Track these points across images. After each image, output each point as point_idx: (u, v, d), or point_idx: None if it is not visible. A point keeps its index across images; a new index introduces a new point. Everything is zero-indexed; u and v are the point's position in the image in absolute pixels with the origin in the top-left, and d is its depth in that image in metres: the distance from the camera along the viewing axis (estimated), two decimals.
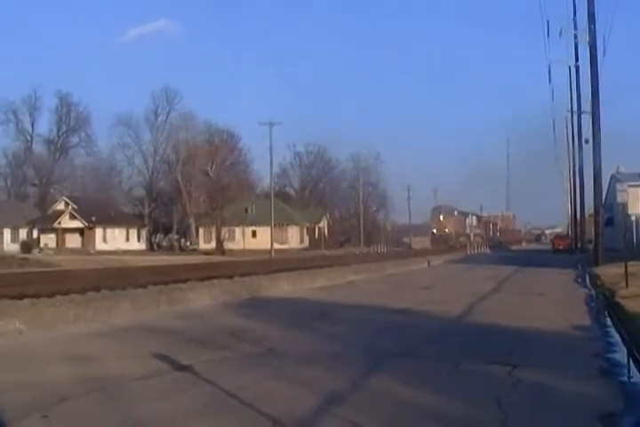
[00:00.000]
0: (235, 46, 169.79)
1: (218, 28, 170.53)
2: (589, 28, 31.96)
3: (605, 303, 15.89)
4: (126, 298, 14.11)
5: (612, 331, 11.51)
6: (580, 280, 25.12)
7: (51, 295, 13.85)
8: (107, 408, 6.32)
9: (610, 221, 44.69)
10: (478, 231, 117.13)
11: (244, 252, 72.06)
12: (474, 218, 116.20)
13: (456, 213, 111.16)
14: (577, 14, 43.13)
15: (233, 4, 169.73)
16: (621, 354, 9.28)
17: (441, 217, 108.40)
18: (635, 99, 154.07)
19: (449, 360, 8.68)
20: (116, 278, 19.50)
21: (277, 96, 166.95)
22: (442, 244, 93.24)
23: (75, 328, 11.26)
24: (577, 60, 48.01)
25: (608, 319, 13.20)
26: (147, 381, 7.38)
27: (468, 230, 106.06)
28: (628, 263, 18.63)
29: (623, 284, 17.35)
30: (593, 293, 19.59)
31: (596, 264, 29.92)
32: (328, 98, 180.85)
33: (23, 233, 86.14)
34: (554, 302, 16.54)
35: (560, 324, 12.14)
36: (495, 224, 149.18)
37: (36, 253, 70.62)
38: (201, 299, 15.78)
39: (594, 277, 23.75)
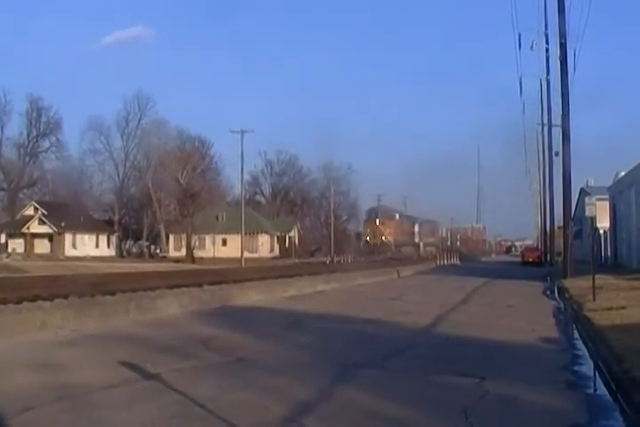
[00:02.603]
0: (208, 53, 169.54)
1: (192, 34, 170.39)
2: (560, 42, 32.28)
3: (573, 316, 16.02)
4: (95, 305, 14.00)
5: (580, 343, 11.61)
6: (548, 293, 25.29)
7: (17, 302, 13.69)
8: (72, 417, 6.26)
9: (579, 234, 45.21)
10: (431, 240, 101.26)
11: (214, 260, 71.90)
12: (425, 225, 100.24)
13: (397, 216, 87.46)
14: (548, 27, 43.58)
15: (207, 11, 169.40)
16: (588, 367, 9.36)
17: (377, 221, 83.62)
18: (605, 113, 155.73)
19: (417, 371, 8.71)
20: (84, 285, 19.32)
21: (250, 103, 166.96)
22: (375, 255, 71.72)
23: (41, 336, 11.16)
24: (548, 73, 48.43)
25: (576, 332, 13.32)
26: (114, 389, 7.33)
27: (417, 239, 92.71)
28: (596, 276, 18.79)
29: (591, 296, 17.50)
30: (561, 305, 19.74)
31: (565, 277, 30.15)
32: (301, 106, 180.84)
33: None
34: (522, 314, 16.64)
35: (528, 336, 12.21)
36: (456, 233, 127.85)
37: (3, 259, 69.88)
38: (170, 307, 15.71)
39: (562, 290, 23.93)
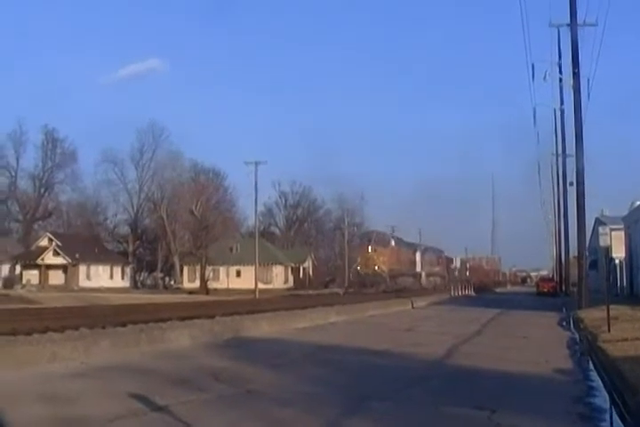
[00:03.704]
0: (222, 85, 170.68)
1: (206, 67, 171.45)
2: (573, 72, 32.34)
3: (588, 347, 15.86)
4: (106, 337, 13.96)
5: (594, 375, 11.47)
6: (563, 323, 25.09)
7: (28, 333, 13.67)
8: None
9: (594, 264, 44.86)
10: (436, 270, 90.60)
11: (228, 291, 71.77)
12: (428, 253, 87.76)
13: (393, 242, 73.26)
14: (561, 57, 43.69)
15: (221, 44, 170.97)
16: (602, 399, 9.23)
17: (369, 249, 68.77)
18: (617, 142, 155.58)
19: (429, 403, 8.60)
20: (96, 316, 19.33)
21: (264, 135, 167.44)
22: (367, 287, 63.75)
23: (51, 367, 11.12)
24: (562, 103, 48.50)
25: (590, 363, 13.16)
26: (122, 421, 7.27)
27: (418, 268, 79.58)
28: (611, 307, 18.62)
29: (605, 327, 17.32)
30: (576, 336, 19.57)
31: (580, 307, 29.90)
32: (315, 138, 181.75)
33: (5, 269, 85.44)
34: (537, 345, 16.52)
35: (542, 367, 12.09)
36: (465, 262, 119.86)
37: (18, 290, 70.03)
38: (181, 339, 15.64)
39: (577, 321, 23.73)
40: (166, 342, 15.06)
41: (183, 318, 19.03)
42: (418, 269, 78.97)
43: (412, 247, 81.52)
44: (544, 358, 13.54)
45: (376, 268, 66.49)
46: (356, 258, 68.97)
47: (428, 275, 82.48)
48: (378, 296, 44.31)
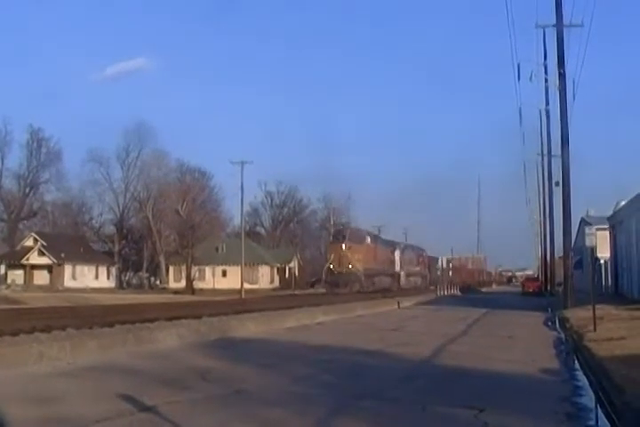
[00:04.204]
0: (209, 85, 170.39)
1: (193, 66, 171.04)
2: (559, 72, 32.44)
3: (574, 347, 15.93)
4: (93, 337, 13.92)
5: (580, 374, 11.53)
6: (549, 323, 25.19)
7: (14, 333, 13.62)
8: None
9: (579, 264, 45.05)
10: (417, 269, 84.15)
11: (214, 291, 71.72)
12: (408, 251, 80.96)
13: (368, 239, 65.51)
14: (547, 58, 43.80)
15: (208, 43, 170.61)
16: (589, 398, 9.28)
17: (343, 246, 60.34)
18: (602, 145, 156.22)
19: (416, 403, 8.62)
20: (83, 317, 19.28)
21: (250, 135, 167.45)
22: (341, 287, 58.16)
23: (38, 368, 11.08)
24: (547, 103, 48.69)
25: (576, 363, 13.23)
26: (108, 422, 7.25)
27: (397, 268, 72.87)
28: (597, 306, 18.72)
29: (591, 327, 17.41)
30: (562, 336, 19.65)
31: (566, 307, 30.01)
32: (302, 138, 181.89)
33: None
34: (523, 345, 16.59)
35: (528, 367, 12.13)
36: (449, 262, 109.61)
37: (2, 290, 69.69)
38: (169, 339, 15.62)
39: (563, 320, 23.82)
40: (153, 342, 15.03)
41: (170, 319, 19.00)
42: (397, 268, 73.12)
43: (391, 245, 75.39)
44: (530, 358, 13.61)
45: (350, 266, 59.21)
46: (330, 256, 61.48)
47: (407, 275, 77.93)
48: (360, 296, 43.77)
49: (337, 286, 58.60)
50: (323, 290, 63.37)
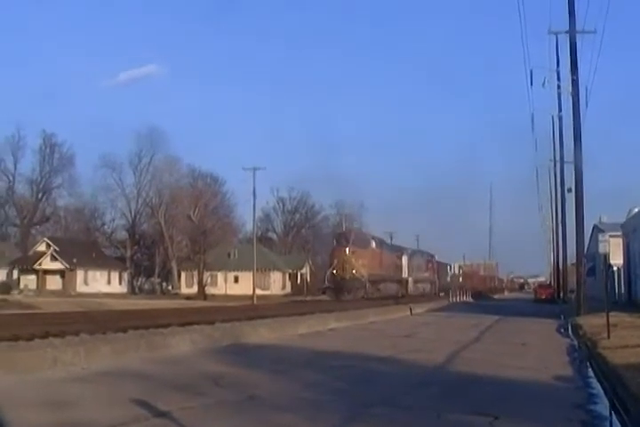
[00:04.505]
0: (221, 91, 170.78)
1: (204, 72, 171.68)
2: (572, 79, 32.40)
3: (587, 354, 15.87)
4: (106, 342, 13.94)
5: (594, 382, 11.48)
6: (562, 330, 25.10)
7: (29, 338, 13.66)
8: None
9: (592, 271, 44.88)
10: (426, 275, 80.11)
11: (225, 297, 71.71)
12: (417, 257, 77.64)
13: (374, 244, 62.21)
14: (560, 64, 43.77)
15: (221, 49, 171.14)
16: (603, 406, 9.24)
17: (347, 250, 56.64)
18: (614, 151, 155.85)
19: (430, 410, 8.60)
20: (96, 322, 19.31)
21: (263, 141, 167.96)
22: (344, 294, 55.72)
23: (52, 373, 11.10)
24: (560, 110, 48.61)
25: (590, 370, 13.17)
26: None
27: (404, 274, 69.08)
28: (610, 314, 18.64)
29: (605, 334, 17.34)
30: (575, 343, 19.59)
31: (579, 314, 29.91)
32: (314, 144, 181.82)
33: (3, 274, 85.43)
34: (536, 352, 16.53)
35: (542, 374, 12.09)
36: (460, 268, 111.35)
37: (15, 295, 69.96)
38: (181, 344, 15.63)
39: (576, 328, 23.75)
40: (166, 347, 15.05)
41: (183, 324, 19.01)
42: (404, 274, 69.29)
43: (398, 250, 71.89)
44: (543, 365, 13.56)
45: (354, 272, 55.77)
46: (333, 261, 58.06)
47: (415, 281, 73.94)
48: (372, 303, 43.35)
49: (340, 292, 55.74)
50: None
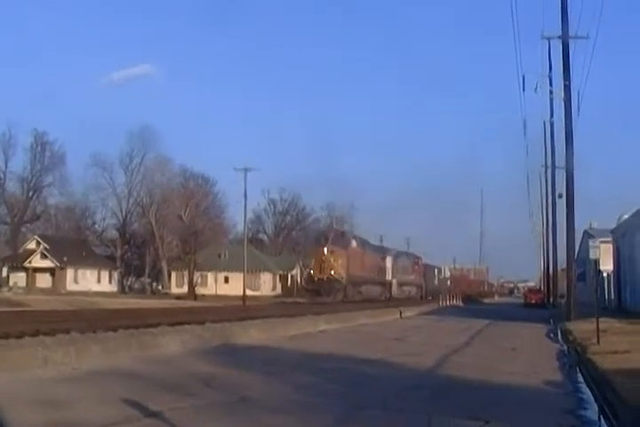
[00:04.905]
0: (213, 91, 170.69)
1: (198, 73, 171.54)
2: (564, 84, 32.50)
3: (577, 359, 15.92)
4: (97, 341, 13.93)
5: (584, 387, 11.51)
6: (551, 335, 25.18)
7: (19, 336, 13.63)
8: None
9: (582, 277, 44.98)
10: (411, 278, 76.29)
11: (216, 297, 71.63)
12: (402, 259, 73.60)
13: (354, 243, 58.10)
14: (552, 69, 43.89)
15: (213, 49, 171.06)
16: (592, 411, 9.27)
17: (325, 250, 53.15)
18: (606, 157, 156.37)
19: (421, 413, 8.62)
20: (86, 320, 19.28)
21: (256, 142, 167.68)
22: (323, 295, 52.19)
23: (43, 372, 11.08)
24: (552, 115, 48.77)
25: (579, 375, 13.21)
26: None
27: (388, 276, 65.80)
28: (600, 319, 18.71)
29: (595, 340, 17.39)
30: (565, 348, 19.64)
31: (568, 319, 29.98)
32: (307, 146, 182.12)
33: None
34: (526, 357, 16.59)
35: (532, 379, 12.13)
36: (451, 272, 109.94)
37: (5, 292, 69.76)
38: (172, 344, 15.62)
39: (566, 333, 23.81)
40: (157, 347, 15.05)
41: (173, 324, 19.00)
42: (388, 276, 65.65)
43: (382, 251, 68.01)
44: (533, 370, 13.60)
45: (332, 273, 51.92)
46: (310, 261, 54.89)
47: (400, 284, 70.47)
48: (362, 306, 42.88)
49: (318, 294, 52.67)
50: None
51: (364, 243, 63.59)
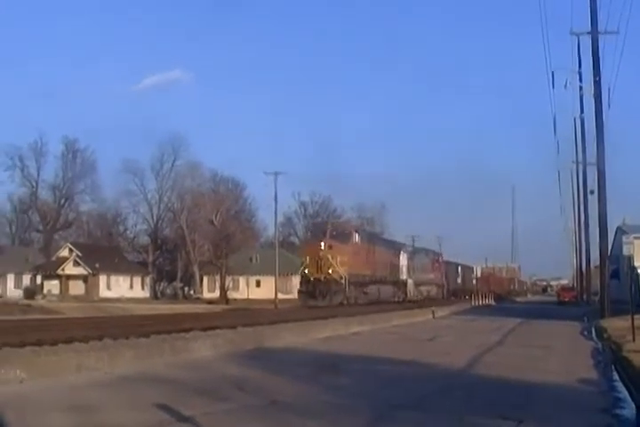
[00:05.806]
0: (244, 96, 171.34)
1: (227, 77, 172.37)
2: (594, 80, 32.22)
3: (612, 357, 15.73)
4: (129, 347, 14.00)
5: (620, 385, 11.35)
6: (585, 333, 24.92)
7: (53, 343, 13.73)
8: None
9: (616, 274, 44.52)
10: (430, 277, 69.32)
11: (247, 301, 71.93)
12: (420, 255, 67.21)
13: (357, 237, 50.29)
14: (582, 65, 43.54)
15: (242, 55, 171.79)
16: (629, 410, 9.13)
17: (321, 245, 46.21)
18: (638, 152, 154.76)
19: (454, 413, 8.56)
20: (119, 327, 19.39)
21: (284, 145, 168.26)
22: (318, 298, 45.65)
23: (77, 377, 11.14)
24: (582, 111, 48.35)
25: (615, 373, 13.05)
26: None
27: (403, 274, 59.07)
28: (635, 316, 18.50)
29: (630, 337, 17.21)
30: (599, 346, 19.41)
31: (602, 317, 29.72)
32: (335, 148, 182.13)
33: (27, 279, 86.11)
34: (559, 355, 16.43)
35: (566, 377, 12.01)
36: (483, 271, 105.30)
37: (39, 300, 70.44)
38: (204, 349, 15.64)
39: (600, 330, 23.57)
40: (189, 352, 15.07)
41: (205, 329, 19.04)
42: (402, 275, 58.68)
43: (394, 247, 60.29)
44: (568, 368, 13.48)
45: (330, 271, 45.14)
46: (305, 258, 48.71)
47: (417, 283, 63.46)
48: (394, 307, 41.97)
49: (313, 296, 45.78)
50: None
51: (371, 237, 57.30)
